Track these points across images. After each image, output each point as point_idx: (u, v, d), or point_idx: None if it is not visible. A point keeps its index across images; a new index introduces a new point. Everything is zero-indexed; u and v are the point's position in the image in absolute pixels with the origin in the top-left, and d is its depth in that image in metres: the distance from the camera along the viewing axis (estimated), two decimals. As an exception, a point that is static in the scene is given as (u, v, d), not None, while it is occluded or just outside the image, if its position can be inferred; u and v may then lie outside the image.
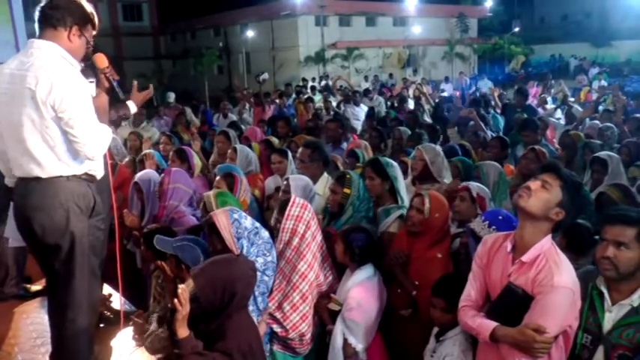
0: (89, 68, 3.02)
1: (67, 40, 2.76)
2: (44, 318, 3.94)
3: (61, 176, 2.73)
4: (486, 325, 2.36)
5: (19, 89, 2.63)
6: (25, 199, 2.74)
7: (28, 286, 4.38)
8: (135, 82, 3.29)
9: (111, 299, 4.01)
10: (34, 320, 3.93)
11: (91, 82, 2.90)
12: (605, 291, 2.43)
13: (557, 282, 2.24)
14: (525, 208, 2.33)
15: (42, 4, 2.79)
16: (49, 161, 2.69)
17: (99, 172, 2.95)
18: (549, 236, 2.37)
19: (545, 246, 2.33)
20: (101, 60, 3.11)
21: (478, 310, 2.49)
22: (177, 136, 8.06)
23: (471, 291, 2.55)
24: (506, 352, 2.32)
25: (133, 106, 3.26)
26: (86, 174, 2.84)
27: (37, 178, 2.71)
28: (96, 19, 2.90)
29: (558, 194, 2.29)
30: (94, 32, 2.92)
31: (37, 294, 4.31)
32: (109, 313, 3.77)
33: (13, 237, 3.41)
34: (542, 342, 2.21)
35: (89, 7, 2.87)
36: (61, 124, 2.65)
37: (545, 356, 2.26)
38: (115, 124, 7.20)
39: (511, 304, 2.34)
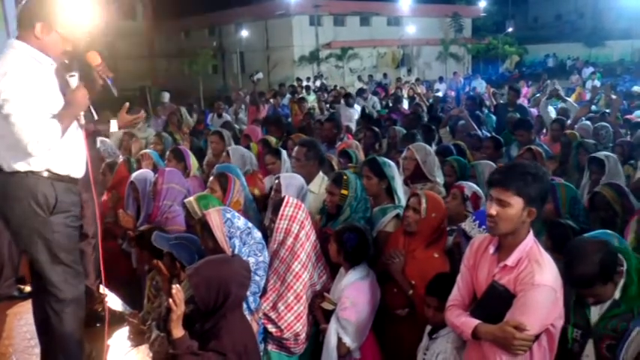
0: (75, 62, 3.00)
1: (35, 38, 2.76)
2: (38, 319, 3.94)
3: (18, 172, 2.77)
4: (469, 323, 2.40)
5: None
6: None
7: (22, 286, 4.36)
8: (126, 104, 3.25)
9: (106, 299, 4.01)
10: (27, 321, 3.91)
11: (72, 75, 2.88)
12: None
13: (538, 280, 2.26)
14: (500, 234, 2.38)
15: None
16: (6, 156, 2.75)
17: (70, 171, 2.91)
18: (531, 235, 2.40)
19: (528, 246, 2.36)
20: (93, 58, 3.10)
21: (464, 309, 2.53)
22: (172, 136, 8.05)
23: (458, 291, 2.60)
24: (488, 350, 2.35)
25: (114, 126, 3.24)
26: (48, 171, 2.82)
27: (2, 171, 2.78)
28: (71, 14, 2.85)
29: (518, 202, 2.30)
30: (80, 26, 2.89)
31: (31, 294, 4.30)
32: (105, 313, 3.76)
33: None
34: (521, 339, 2.23)
35: (62, 4, 2.82)
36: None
37: (526, 354, 2.29)
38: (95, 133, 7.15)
39: (494, 302, 2.38)
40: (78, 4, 2.92)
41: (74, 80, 2.88)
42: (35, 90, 2.71)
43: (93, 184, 3.12)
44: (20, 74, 2.67)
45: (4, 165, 2.78)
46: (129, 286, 4.57)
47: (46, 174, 2.82)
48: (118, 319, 3.81)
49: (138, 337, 3.61)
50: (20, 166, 2.76)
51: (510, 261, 2.34)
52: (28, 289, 4.35)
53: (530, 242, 2.37)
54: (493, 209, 2.34)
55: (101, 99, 3.26)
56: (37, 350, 3.49)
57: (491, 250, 2.45)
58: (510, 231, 2.35)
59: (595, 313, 2.51)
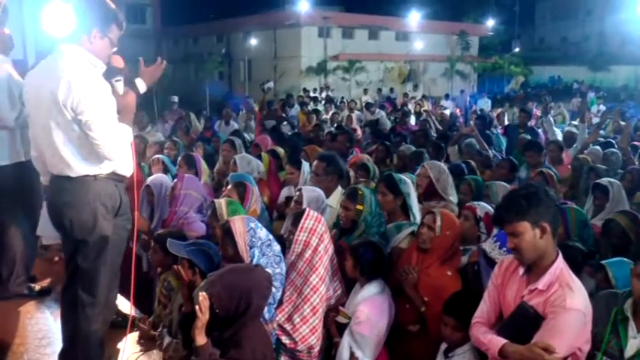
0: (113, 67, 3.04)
1: (88, 42, 2.82)
2: (48, 318, 3.96)
3: (88, 175, 2.82)
4: (496, 341, 2.41)
5: (44, 93, 2.72)
6: (58, 196, 2.87)
7: (33, 285, 4.37)
8: (141, 59, 3.19)
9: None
10: (38, 320, 3.93)
11: (118, 80, 2.93)
12: (630, 317, 2.49)
13: (569, 304, 2.29)
14: (529, 263, 2.43)
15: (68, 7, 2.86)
16: (75, 161, 2.78)
17: (128, 172, 3.01)
18: (560, 258, 2.43)
19: (558, 269, 2.39)
20: (117, 62, 3.14)
21: (490, 327, 2.55)
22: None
23: (484, 308, 2.63)
24: None
25: (141, 85, 3.14)
26: (114, 173, 2.90)
27: (68, 177, 2.81)
28: (121, 18, 2.92)
29: (525, 226, 2.35)
30: (121, 31, 2.95)
31: (41, 293, 4.30)
32: (116, 316, 3.77)
33: (46, 234, 3.69)
34: None
35: (111, 8, 2.89)
36: (81, 126, 2.71)
37: None
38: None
39: (522, 323, 2.40)
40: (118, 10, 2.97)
41: (120, 84, 2.92)
42: (104, 96, 2.78)
43: (136, 187, 3.22)
44: (91, 81, 2.73)
45: (69, 172, 2.81)
46: (138, 290, 4.57)
47: (112, 176, 2.90)
48: (128, 323, 3.81)
49: (148, 342, 3.61)
50: (91, 170, 2.82)
51: (541, 284, 2.38)
52: (38, 287, 4.37)
53: (560, 265, 2.40)
54: (510, 243, 2.42)
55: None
56: (49, 350, 3.52)
57: (521, 271, 2.49)
58: (536, 257, 2.40)
59: (633, 345, 2.47)
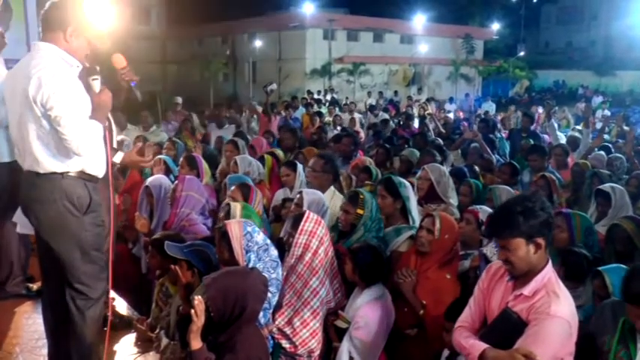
0: (96, 65, 3.04)
1: (64, 41, 2.83)
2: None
3: (55, 173, 2.81)
4: (477, 346, 2.37)
5: (18, 89, 2.75)
6: (27, 191, 2.88)
7: (31, 285, 4.35)
8: (139, 144, 3.26)
9: (114, 303, 3.99)
10: (35, 320, 3.90)
11: (94, 79, 2.95)
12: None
13: (554, 311, 2.24)
14: (520, 275, 2.37)
15: (44, 8, 2.87)
16: (44, 158, 2.79)
17: (99, 171, 2.98)
18: (549, 266, 2.38)
19: (546, 277, 2.35)
20: (118, 60, 3.14)
21: (474, 333, 2.51)
22: (182, 142, 8.04)
23: (469, 313, 2.59)
24: None
25: (118, 158, 3.28)
26: (83, 172, 2.88)
27: (37, 173, 2.82)
28: (98, 19, 2.98)
29: (519, 242, 2.31)
30: (99, 32, 2.99)
31: (39, 293, 4.27)
32: (114, 318, 3.74)
33: (21, 223, 3.63)
34: None
35: (90, 8, 2.93)
36: (50, 122, 2.72)
37: None
38: (121, 126, 7.25)
39: (504, 329, 2.36)
40: (102, 10, 2.97)
41: (97, 83, 2.94)
42: (75, 92, 2.78)
43: (111, 185, 3.17)
44: (62, 78, 2.74)
45: (37, 168, 2.81)
46: (137, 291, 4.55)
47: (80, 175, 2.88)
48: (125, 325, 3.79)
49: (145, 344, 3.58)
50: (58, 168, 2.81)
51: (527, 290, 2.33)
52: (35, 287, 4.35)
53: (548, 273, 2.35)
54: (501, 255, 2.39)
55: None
56: (44, 351, 3.47)
57: (508, 276, 2.44)
58: (528, 270, 2.35)
59: None
